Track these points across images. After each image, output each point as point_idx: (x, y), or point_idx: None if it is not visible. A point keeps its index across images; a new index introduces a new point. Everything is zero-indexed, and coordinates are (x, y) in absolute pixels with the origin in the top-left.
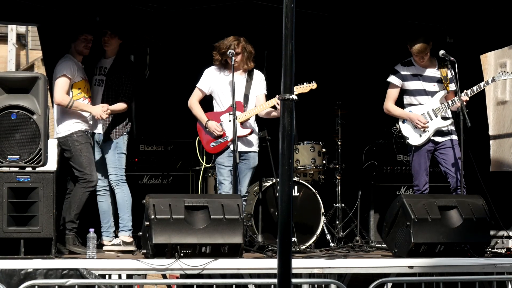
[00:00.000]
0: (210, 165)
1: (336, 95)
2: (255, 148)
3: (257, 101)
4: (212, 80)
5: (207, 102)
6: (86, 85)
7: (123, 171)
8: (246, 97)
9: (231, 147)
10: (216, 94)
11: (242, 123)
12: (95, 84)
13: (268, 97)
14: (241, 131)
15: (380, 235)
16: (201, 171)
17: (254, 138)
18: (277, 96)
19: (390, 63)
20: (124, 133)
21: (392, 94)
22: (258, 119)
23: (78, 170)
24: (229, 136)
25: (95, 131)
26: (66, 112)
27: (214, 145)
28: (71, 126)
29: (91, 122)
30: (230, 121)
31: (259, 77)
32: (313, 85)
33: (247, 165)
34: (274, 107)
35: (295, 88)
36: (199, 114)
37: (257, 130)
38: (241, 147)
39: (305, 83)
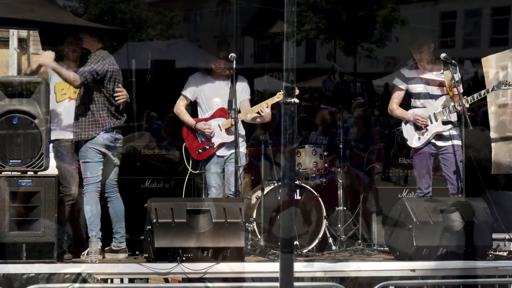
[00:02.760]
0: (197, 171)
1: (338, 98)
2: (241, 149)
3: (242, 107)
4: (197, 87)
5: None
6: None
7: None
8: (230, 103)
9: (218, 153)
10: (201, 100)
11: (227, 130)
12: None
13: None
14: (226, 138)
15: (382, 238)
16: (186, 178)
17: (239, 141)
18: (262, 103)
19: (393, 66)
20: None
21: (396, 96)
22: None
23: (61, 182)
24: (215, 142)
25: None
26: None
27: (200, 152)
28: (59, 132)
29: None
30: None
31: (242, 83)
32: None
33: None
34: (259, 113)
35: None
36: (186, 119)
37: (243, 133)
38: (224, 152)
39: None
